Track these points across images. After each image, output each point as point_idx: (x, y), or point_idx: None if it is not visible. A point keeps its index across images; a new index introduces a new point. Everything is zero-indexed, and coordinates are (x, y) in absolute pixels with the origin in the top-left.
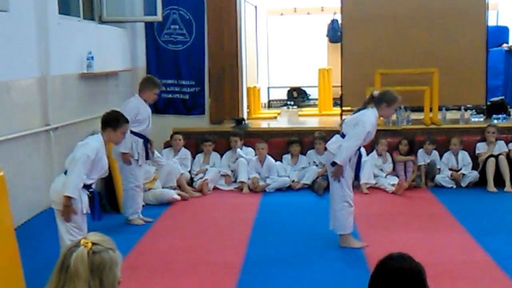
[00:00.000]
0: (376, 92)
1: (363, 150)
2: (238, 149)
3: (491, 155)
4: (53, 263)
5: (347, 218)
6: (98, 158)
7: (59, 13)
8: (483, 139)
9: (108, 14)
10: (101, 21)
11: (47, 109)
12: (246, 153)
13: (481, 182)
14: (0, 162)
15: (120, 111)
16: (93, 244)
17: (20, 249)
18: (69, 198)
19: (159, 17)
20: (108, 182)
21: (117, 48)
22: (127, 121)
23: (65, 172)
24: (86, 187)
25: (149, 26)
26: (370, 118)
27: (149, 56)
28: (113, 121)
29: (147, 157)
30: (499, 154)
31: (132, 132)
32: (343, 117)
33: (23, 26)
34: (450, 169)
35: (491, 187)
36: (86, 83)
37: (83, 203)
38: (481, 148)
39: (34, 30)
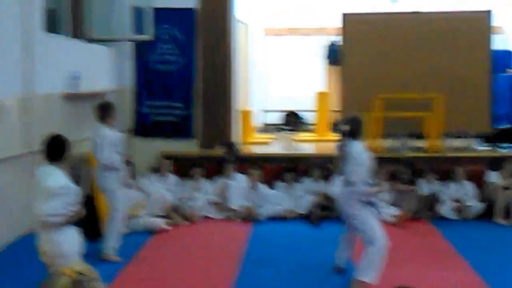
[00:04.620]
0: (345, 127)
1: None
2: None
3: (504, 186)
4: None
5: (378, 264)
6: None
7: (46, 30)
8: (495, 168)
9: (97, 32)
10: (89, 40)
11: (30, 129)
12: (239, 180)
13: (488, 214)
14: None
15: (60, 136)
16: (77, 273)
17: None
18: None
19: (149, 36)
20: (89, 208)
21: (104, 68)
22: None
23: None
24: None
25: (139, 45)
26: (361, 152)
27: (138, 76)
28: (64, 150)
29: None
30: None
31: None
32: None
33: (7, 43)
34: (454, 200)
35: (499, 218)
36: (72, 104)
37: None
38: (493, 177)
39: (18, 47)
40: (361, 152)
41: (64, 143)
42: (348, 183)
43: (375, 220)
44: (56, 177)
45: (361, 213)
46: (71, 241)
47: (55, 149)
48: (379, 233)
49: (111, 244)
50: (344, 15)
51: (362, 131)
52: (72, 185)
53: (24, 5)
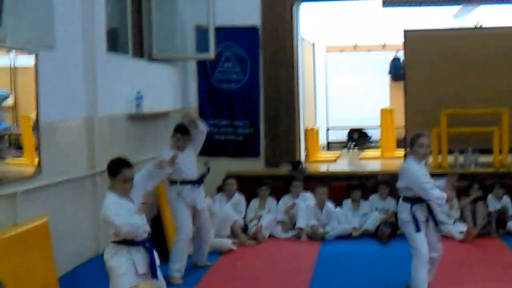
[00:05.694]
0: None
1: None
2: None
3: None
4: None
5: (421, 276)
6: (118, 214)
7: (108, 50)
8: None
9: (159, 51)
10: (151, 59)
11: (94, 151)
12: (305, 198)
13: None
14: (44, 208)
15: (121, 157)
16: None
17: None
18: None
19: (211, 54)
20: (156, 230)
21: (167, 87)
22: (127, 165)
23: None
24: (137, 243)
25: (201, 64)
26: (411, 166)
27: (201, 95)
28: (110, 169)
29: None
30: None
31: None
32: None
33: (70, 64)
34: None
35: None
36: (135, 124)
37: (136, 263)
38: None
39: (81, 68)
40: (412, 167)
41: (113, 165)
42: (402, 199)
43: (420, 233)
44: (104, 205)
45: (408, 226)
46: (125, 260)
47: (108, 172)
48: (420, 245)
49: (175, 266)
50: (406, 31)
51: (419, 147)
52: (112, 218)
53: (86, 25)
